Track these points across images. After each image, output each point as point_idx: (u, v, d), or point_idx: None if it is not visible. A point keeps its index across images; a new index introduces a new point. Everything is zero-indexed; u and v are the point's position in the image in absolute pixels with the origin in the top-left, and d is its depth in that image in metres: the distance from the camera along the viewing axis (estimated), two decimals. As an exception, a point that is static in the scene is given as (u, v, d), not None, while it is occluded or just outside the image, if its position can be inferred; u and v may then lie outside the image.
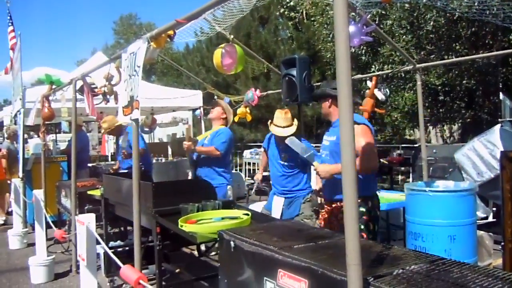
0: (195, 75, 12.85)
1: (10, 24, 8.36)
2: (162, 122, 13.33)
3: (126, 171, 6.12)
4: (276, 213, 4.65)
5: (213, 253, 5.04)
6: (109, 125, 6.61)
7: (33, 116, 7.41)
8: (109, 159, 12.18)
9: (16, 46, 7.96)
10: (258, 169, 12.61)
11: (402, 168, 11.31)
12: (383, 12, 9.74)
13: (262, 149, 5.30)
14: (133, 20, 40.36)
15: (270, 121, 4.75)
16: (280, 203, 4.69)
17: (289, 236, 2.47)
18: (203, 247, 4.94)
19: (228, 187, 5.20)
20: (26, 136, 12.19)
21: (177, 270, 4.78)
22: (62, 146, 11.16)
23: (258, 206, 5.55)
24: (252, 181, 8.80)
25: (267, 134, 5.06)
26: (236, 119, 7.43)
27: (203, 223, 3.19)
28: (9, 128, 9.49)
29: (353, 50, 9.72)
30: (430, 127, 12.89)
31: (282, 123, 4.60)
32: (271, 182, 4.93)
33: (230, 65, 4.88)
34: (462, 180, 6.01)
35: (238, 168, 14.17)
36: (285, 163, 4.66)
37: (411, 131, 16.88)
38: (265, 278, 2.15)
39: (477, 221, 4.71)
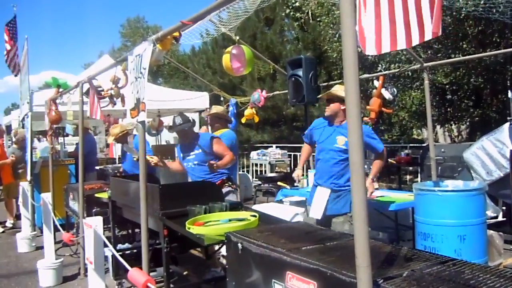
0: (201, 77, 12.85)
1: (12, 28, 8.35)
2: (169, 124, 13.33)
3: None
4: (318, 205, 4.17)
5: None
6: (120, 130, 6.55)
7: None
8: (117, 161, 12.20)
9: (24, 50, 7.99)
10: (265, 170, 12.63)
11: (410, 168, 11.24)
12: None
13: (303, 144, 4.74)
14: (141, 23, 40.38)
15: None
16: (325, 194, 4.16)
17: (297, 237, 2.46)
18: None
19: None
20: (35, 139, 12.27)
21: (185, 273, 4.78)
22: (70, 149, 11.20)
23: (265, 208, 5.54)
24: (259, 182, 8.79)
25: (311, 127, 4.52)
26: (243, 120, 7.44)
27: (211, 225, 3.18)
28: (17, 133, 9.53)
29: (359, 49, 9.67)
30: (438, 126, 12.81)
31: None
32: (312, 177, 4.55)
33: (239, 68, 4.88)
34: (471, 179, 5.96)
35: (245, 169, 14.15)
36: (343, 147, 4.05)
37: (419, 131, 16.80)
38: (273, 280, 2.13)
39: (487, 221, 4.67)
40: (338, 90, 4.16)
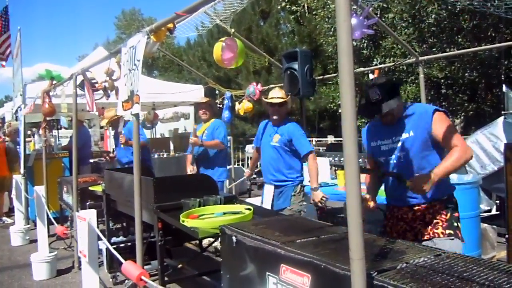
0: (196, 69, 12.82)
1: (4, 18, 8.26)
2: (163, 117, 13.31)
3: (126, 166, 6.12)
4: (266, 202, 4.49)
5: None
6: (115, 113, 6.49)
7: (29, 108, 7.33)
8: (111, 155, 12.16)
9: (16, 41, 7.92)
10: (260, 163, 12.64)
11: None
12: (384, 5, 9.69)
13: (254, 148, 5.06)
14: (136, 15, 40.09)
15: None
16: (270, 191, 4.49)
17: (291, 230, 2.45)
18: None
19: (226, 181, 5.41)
20: (29, 132, 12.19)
21: (180, 266, 4.77)
22: (65, 142, 11.14)
23: (260, 201, 5.53)
24: (255, 176, 8.78)
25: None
26: (241, 112, 7.44)
27: (205, 218, 3.18)
28: (10, 125, 9.45)
29: (354, 43, 9.68)
30: (433, 120, 12.84)
31: (278, 94, 4.54)
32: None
33: (230, 59, 4.85)
34: (465, 173, 5.98)
35: (240, 162, 14.15)
36: (277, 145, 4.41)
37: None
38: (267, 273, 2.13)
39: (481, 214, 4.69)
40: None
